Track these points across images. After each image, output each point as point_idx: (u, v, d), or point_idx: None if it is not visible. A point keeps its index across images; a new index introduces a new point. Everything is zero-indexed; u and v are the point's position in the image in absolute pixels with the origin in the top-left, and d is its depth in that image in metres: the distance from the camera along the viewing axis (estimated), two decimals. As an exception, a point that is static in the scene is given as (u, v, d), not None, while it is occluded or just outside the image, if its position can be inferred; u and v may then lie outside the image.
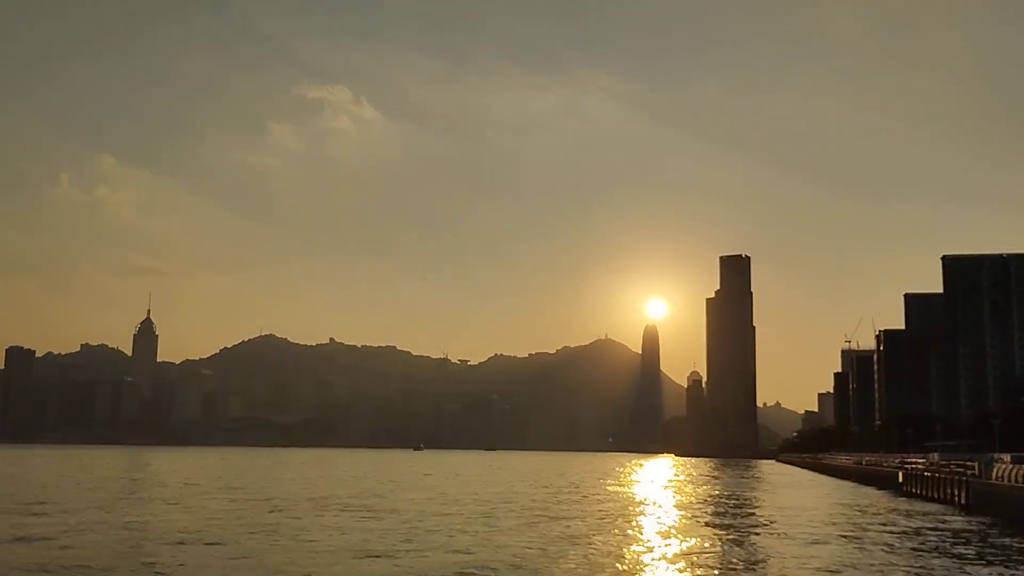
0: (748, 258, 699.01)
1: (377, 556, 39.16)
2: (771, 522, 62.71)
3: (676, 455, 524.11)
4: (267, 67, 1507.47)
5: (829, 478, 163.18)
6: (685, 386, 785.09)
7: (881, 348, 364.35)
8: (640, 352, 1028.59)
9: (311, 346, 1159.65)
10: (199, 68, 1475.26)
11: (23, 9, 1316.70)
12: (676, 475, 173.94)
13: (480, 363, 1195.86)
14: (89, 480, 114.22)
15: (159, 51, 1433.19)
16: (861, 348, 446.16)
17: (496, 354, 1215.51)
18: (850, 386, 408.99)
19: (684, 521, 62.74)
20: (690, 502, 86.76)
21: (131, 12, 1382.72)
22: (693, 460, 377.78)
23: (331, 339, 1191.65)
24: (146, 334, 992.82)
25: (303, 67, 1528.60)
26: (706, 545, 46.22)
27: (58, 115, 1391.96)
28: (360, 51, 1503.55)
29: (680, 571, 36.53)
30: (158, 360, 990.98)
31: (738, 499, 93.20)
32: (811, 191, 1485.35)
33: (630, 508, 75.82)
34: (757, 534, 53.70)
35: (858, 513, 72.40)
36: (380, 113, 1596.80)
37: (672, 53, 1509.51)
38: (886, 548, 45.75)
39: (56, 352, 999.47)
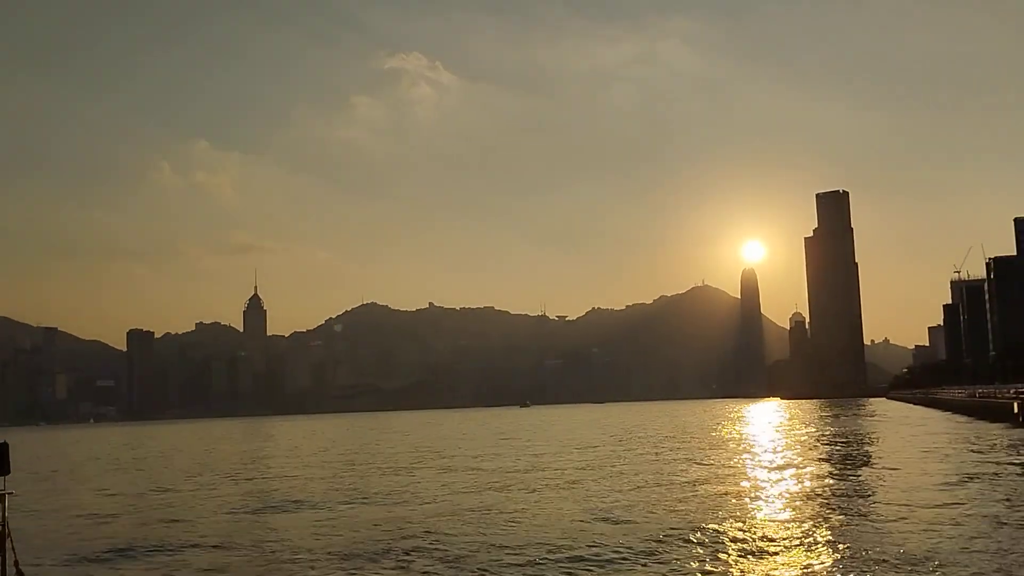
0: (846, 193, 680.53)
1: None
2: (881, 458, 64.37)
3: (782, 398, 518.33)
4: (341, 41, 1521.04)
5: (942, 413, 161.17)
6: (787, 328, 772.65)
7: (992, 276, 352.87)
8: (739, 296, 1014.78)
9: (412, 311, 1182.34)
10: (275, 48, 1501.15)
11: (104, 6, 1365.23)
12: (786, 417, 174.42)
13: (578, 318, 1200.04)
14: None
15: (235, 35, 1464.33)
16: (971, 278, 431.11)
17: (593, 308, 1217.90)
18: (961, 318, 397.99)
19: (802, 459, 64.90)
20: (804, 442, 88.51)
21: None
22: (800, 403, 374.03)
23: (430, 303, 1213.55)
24: (255, 309, 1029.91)
25: (376, 38, 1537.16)
26: (818, 484, 48.46)
27: (149, 105, 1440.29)
28: (429, 17, 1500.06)
29: (806, 507, 39.01)
30: (268, 334, 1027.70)
31: (848, 437, 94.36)
32: (907, 118, 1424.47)
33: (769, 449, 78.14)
34: (866, 470, 55.63)
35: (967, 445, 73.10)
36: (456, 77, 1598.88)
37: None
38: (992, 479, 47.11)
39: (173, 332, 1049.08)
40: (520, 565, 27.12)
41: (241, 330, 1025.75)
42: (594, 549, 29.17)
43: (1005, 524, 31.16)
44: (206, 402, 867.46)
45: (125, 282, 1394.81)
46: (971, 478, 46.92)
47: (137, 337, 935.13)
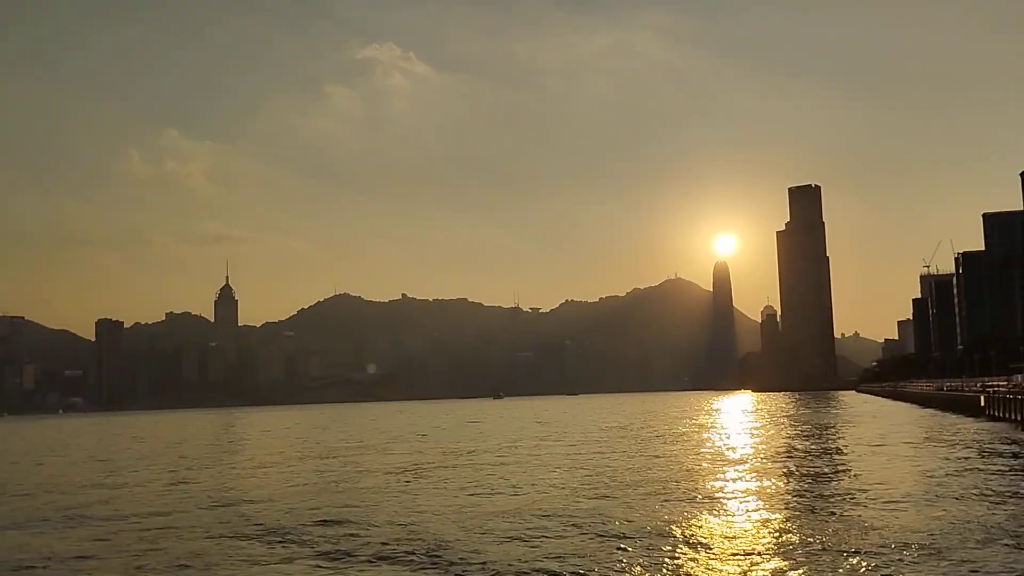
0: (818, 188, 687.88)
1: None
2: (850, 452, 64.75)
3: (753, 391, 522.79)
4: (313, 29, 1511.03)
5: (910, 406, 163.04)
6: (759, 321, 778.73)
7: (960, 271, 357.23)
8: (711, 290, 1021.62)
9: (384, 302, 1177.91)
10: (246, 35, 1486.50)
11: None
12: (756, 410, 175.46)
13: (551, 310, 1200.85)
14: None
15: (204, 20, 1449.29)
16: (940, 272, 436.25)
17: (567, 300, 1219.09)
18: (930, 312, 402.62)
19: (769, 454, 65.17)
20: (772, 435, 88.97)
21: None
22: (771, 395, 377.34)
23: (403, 295, 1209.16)
24: (226, 300, 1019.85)
25: (349, 27, 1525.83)
26: (786, 478, 48.58)
27: (119, 93, 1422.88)
28: (404, 6, 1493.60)
29: (775, 492, 39.04)
30: (239, 324, 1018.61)
31: (817, 431, 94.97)
32: (880, 113, 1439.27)
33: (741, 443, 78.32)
34: (834, 463, 55.93)
35: (934, 438, 73.71)
36: (431, 67, 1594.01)
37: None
38: (959, 473, 47.41)
39: (143, 322, 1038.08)
40: (483, 564, 26.82)
41: (212, 320, 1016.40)
42: (551, 547, 28.88)
43: (973, 516, 31.27)
44: (176, 393, 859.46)
45: (94, 271, 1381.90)
46: (938, 470, 47.22)
47: (106, 327, 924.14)
